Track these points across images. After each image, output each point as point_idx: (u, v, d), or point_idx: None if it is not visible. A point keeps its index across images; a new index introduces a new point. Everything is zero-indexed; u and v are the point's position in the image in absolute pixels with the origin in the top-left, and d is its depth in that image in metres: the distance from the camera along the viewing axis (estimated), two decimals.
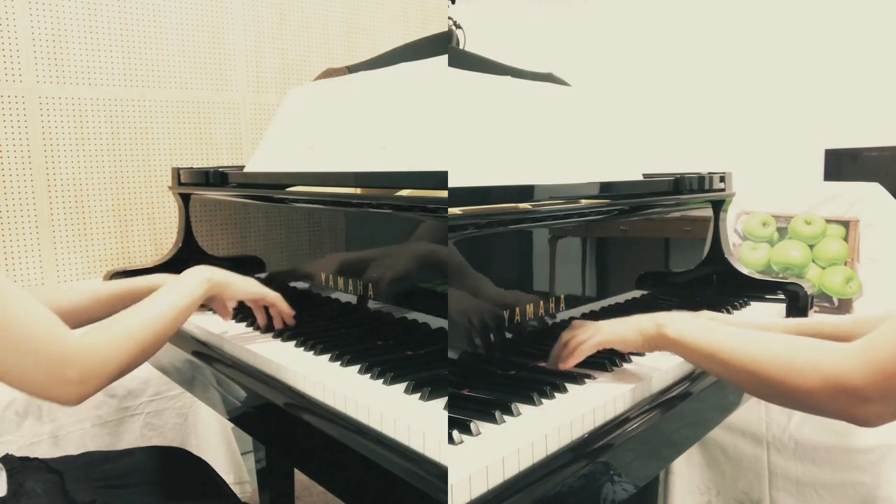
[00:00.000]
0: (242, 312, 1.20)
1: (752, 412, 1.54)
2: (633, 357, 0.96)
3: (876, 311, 1.76)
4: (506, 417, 0.75)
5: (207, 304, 1.29)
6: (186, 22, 2.15)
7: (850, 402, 0.68)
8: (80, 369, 0.77)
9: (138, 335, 0.85)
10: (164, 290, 0.94)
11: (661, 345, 0.86)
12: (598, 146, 1.25)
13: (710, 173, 1.40)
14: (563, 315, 1.01)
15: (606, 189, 1.13)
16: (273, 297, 1.10)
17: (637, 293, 1.21)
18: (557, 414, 0.77)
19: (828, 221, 1.85)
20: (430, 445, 0.68)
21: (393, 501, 0.70)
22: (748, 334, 0.80)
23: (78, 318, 1.17)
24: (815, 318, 1.20)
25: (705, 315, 1.05)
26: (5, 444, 1.44)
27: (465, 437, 0.69)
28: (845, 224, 1.85)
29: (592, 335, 0.91)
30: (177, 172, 1.57)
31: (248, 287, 1.08)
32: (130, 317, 0.87)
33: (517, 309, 0.92)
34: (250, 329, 1.15)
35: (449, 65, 1.05)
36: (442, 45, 1.39)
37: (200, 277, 0.99)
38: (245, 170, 1.40)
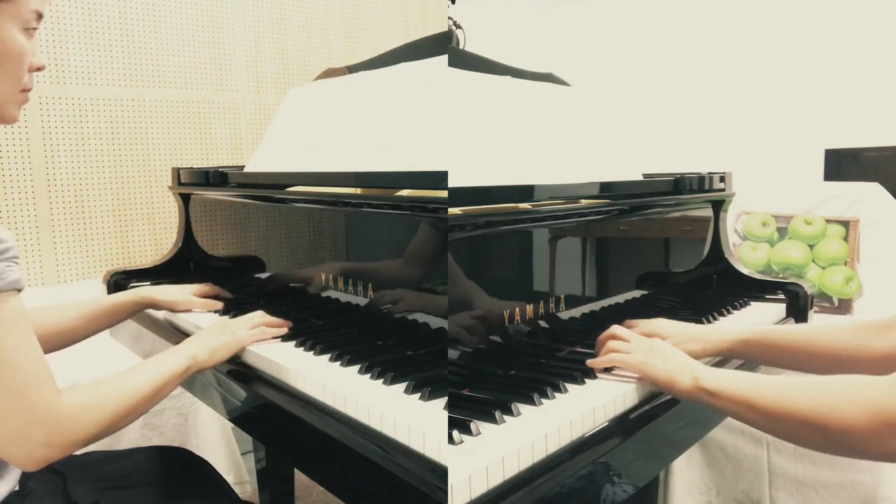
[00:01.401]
0: (241, 313, 1.20)
1: None
2: None
3: (876, 310, 1.76)
4: (506, 417, 0.75)
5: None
6: (186, 22, 2.15)
7: None
8: (48, 430, 0.73)
9: (115, 405, 0.82)
10: (149, 362, 0.91)
11: (693, 395, 0.81)
12: (597, 146, 1.25)
13: (710, 173, 1.40)
14: (563, 315, 1.01)
15: (606, 189, 1.13)
16: (261, 335, 1.05)
17: (637, 293, 1.21)
18: (557, 414, 0.77)
19: (828, 221, 1.85)
20: (430, 445, 0.68)
21: (393, 501, 0.70)
22: (784, 379, 0.76)
23: (66, 338, 1.17)
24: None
25: (654, 326, 1.02)
26: None
27: (465, 437, 0.69)
28: (845, 224, 1.85)
29: (627, 353, 0.89)
30: (177, 172, 1.57)
31: (231, 350, 1.01)
32: (112, 383, 0.84)
33: (517, 309, 0.92)
34: None
35: (449, 65, 1.05)
36: (442, 45, 1.39)
37: (185, 354, 0.94)
38: (245, 170, 1.40)
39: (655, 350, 0.88)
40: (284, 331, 1.07)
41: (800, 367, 0.99)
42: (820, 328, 0.96)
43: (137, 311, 1.27)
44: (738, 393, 0.76)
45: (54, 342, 1.14)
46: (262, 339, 1.04)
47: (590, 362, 0.92)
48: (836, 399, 0.67)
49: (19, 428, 0.73)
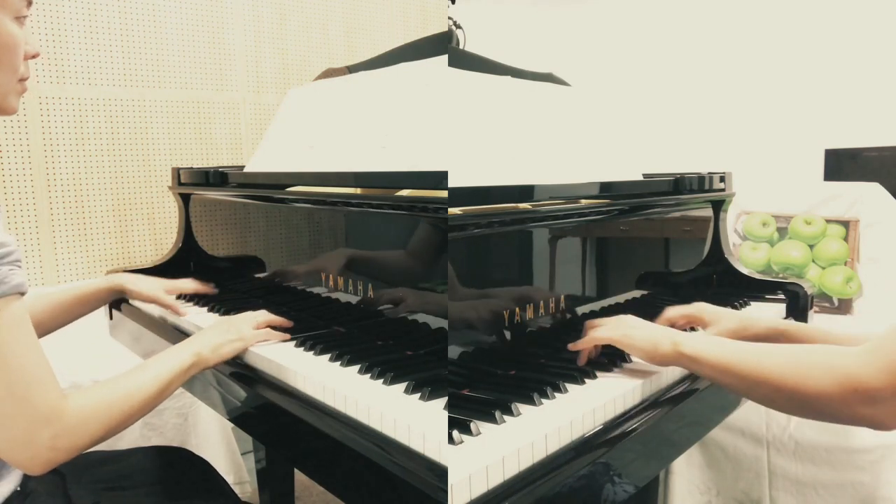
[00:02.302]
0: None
1: (751, 412, 1.54)
2: (633, 357, 0.96)
3: (876, 311, 1.76)
4: (506, 417, 0.75)
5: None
6: (186, 22, 2.15)
7: (864, 404, 0.68)
8: (53, 433, 0.73)
9: (120, 405, 0.81)
10: (152, 361, 0.90)
11: (674, 361, 0.86)
12: (597, 146, 1.25)
13: (709, 173, 1.40)
14: (562, 315, 1.01)
15: (606, 189, 1.13)
16: (266, 336, 1.04)
17: (637, 293, 1.21)
18: (557, 414, 0.77)
19: (828, 221, 1.85)
20: (430, 445, 0.68)
21: (393, 501, 0.70)
22: (761, 346, 0.81)
23: (43, 328, 1.16)
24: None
25: (699, 306, 1.07)
26: None
27: (465, 437, 0.69)
28: (845, 224, 1.85)
29: (608, 329, 0.92)
30: (177, 172, 1.57)
31: (235, 348, 1.00)
32: (116, 384, 0.83)
33: (517, 308, 0.92)
34: None
35: (449, 65, 1.06)
36: (442, 45, 1.39)
37: (189, 352, 0.94)
38: (245, 170, 1.40)
39: (634, 324, 0.93)
40: (288, 336, 1.06)
41: None
42: (850, 335, 0.98)
43: (111, 299, 1.27)
44: (717, 358, 0.81)
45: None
46: (267, 339, 1.04)
47: (571, 346, 0.94)
48: (809, 367, 0.72)
49: (24, 431, 0.72)
